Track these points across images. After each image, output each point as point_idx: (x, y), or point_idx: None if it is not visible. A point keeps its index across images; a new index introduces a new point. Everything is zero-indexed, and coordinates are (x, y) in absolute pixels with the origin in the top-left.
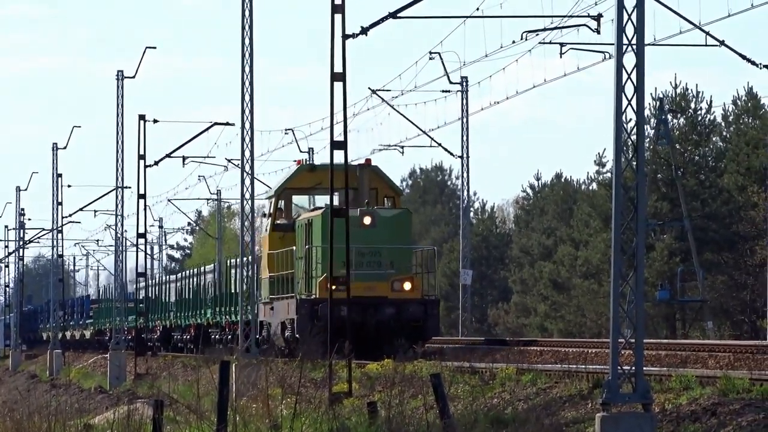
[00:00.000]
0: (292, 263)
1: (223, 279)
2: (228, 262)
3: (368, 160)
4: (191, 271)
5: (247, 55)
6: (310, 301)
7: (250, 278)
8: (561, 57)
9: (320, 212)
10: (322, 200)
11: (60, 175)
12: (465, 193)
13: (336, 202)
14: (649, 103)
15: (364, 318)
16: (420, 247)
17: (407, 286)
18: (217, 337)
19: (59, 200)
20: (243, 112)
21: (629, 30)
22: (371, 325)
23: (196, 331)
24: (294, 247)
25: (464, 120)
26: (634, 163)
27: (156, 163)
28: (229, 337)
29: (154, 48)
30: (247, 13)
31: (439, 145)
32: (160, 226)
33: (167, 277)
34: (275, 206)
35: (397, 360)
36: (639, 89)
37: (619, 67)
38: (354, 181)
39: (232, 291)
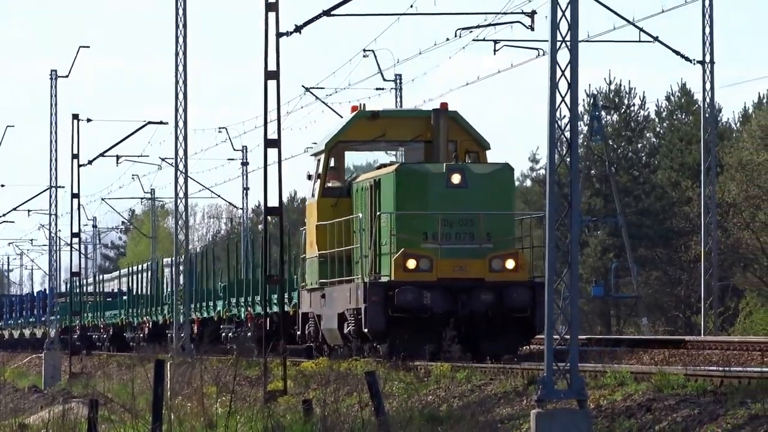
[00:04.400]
0: (352, 237)
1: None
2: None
3: (444, 104)
4: (143, 265)
5: (180, 53)
6: (383, 285)
7: (185, 277)
8: (495, 54)
9: (393, 169)
10: (383, 158)
11: None
12: None
13: (400, 160)
14: (583, 100)
15: (455, 306)
16: (527, 214)
17: (510, 264)
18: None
19: None
20: (176, 110)
21: (563, 26)
22: (463, 315)
23: (151, 329)
24: (355, 216)
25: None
26: (568, 159)
27: (90, 162)
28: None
29: (88, 47)
30: (180, 11)
31: None
32: (94, 226)
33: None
34: (325, 164)
35: (501, 362)
36: (573, 86)
37: (553, 63)
38: (427, 131)
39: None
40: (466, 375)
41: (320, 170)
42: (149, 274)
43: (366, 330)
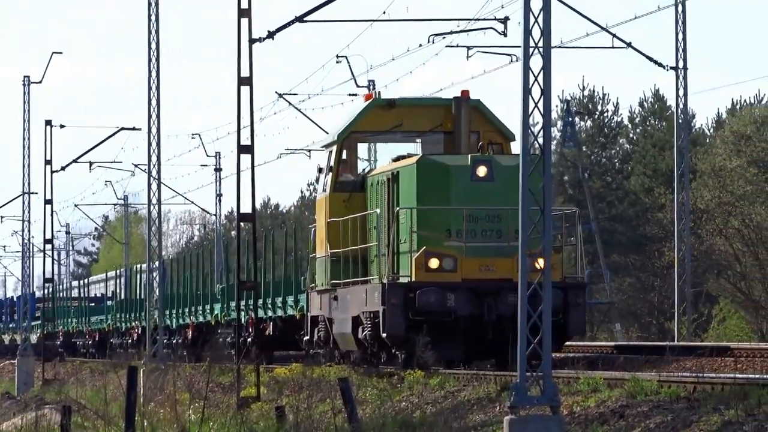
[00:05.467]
0: (367, 235)
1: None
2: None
3: (466, 92)
4: (129, 269)
5: (153, 59)
6: (403, 286)
7: (158, 284)
8: (468, 60)
9: (414, 160)
10: (399, 149)
11: None
12: None
13: (416, 151)
14: (556, 106)
15: (480, 310)
16: (558, 209)
17: (541, 263)
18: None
19: None
20: (150, 116)
21: (536, 32)
22: (490, 319)
23: (140, 335)
24: (372, 212)
25: None
26: (541, 165)
27: (63, 168)
28: (179, 340)
29: (61, 53)
30: (153, 18)
31: None
32: (67, 232)
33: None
34: (337, 156)
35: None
36: (546, 91)
37: (526, 69)
38: (448, 120)
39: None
40: (440, 381)
41: (332, 163)
42: (139, 277)
43: (384, 335)
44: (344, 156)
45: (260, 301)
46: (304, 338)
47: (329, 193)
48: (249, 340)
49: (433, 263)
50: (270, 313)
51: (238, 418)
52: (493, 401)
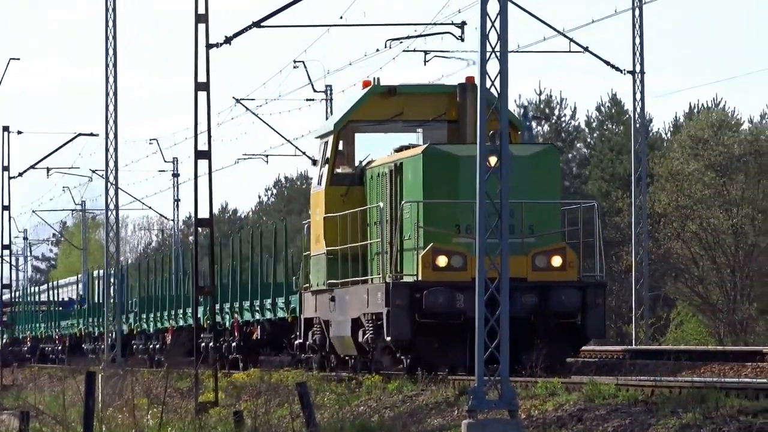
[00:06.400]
0: (367, 230)
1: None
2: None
3: (471, 78)
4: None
5: (110, 65)
6: (408, 286)
7: (116, 289)
8: (425, 65)
9: (420, 151)
10: (400, 139)
11: None
12: None
13: (418, 141)
14: (514, 110)
15: (493, 311)
16: (576, 203)
17: (557, 261)
18: (141, 346)
19: None
20: (107, 122)
21: (492, 37)
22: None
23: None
24: (374, 206)
25: None
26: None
27: (20, 174)
28: (158, 346)
29: (18, 59)
30: (110, 24)
31: (304, 153)
32: (25, 238)
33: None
34: (334, 147)
35: (544, 375)
36: (502, 96)
37: (483, 73)
38: (452, 109)
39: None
40: (398, 386)
41: (328, 154)
42: (118, 278)
43: (388, 338)
44: (341, 147)
45: (247, 304)
46: (296, 342)
47: (325, 187)
48: (234, 345)
49: (442, 261)
50: (258, 316)
51: (196, 423)
52: (451, 405)
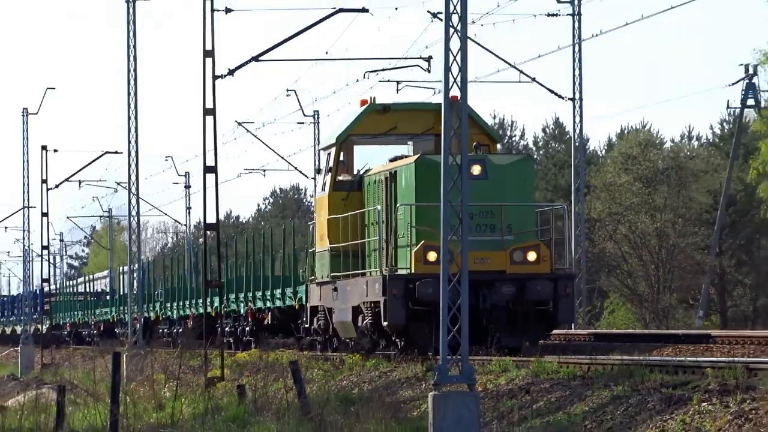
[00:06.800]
0: (365, 230)
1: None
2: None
3: (455, 97)
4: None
5: (132, 92)
6: (402, 278)
7: (138, 283)
8: (398, 93)
9: (413, 160)
10: (393, 151)
11: None
12: None
13: (408, 152)
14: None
15: (476, 299)
16: (547, 205)
17: (532, 256)
18: (166, 330)
19: None
20: (129, 141)
21: (454, 69)
22: (485, 308)
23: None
24: (373, 208)
25: (317, 146)
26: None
27: (56, 186)
28: (180, 330)
29: (54, 89)
30: (131, 56)
31: (296, 168)
32: (61, 240)
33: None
34: (336, 158)
35: (520, 355)
36: (462, 119)
37: (446, 100)
38: (438, 125)
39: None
40: (374, 363)
41: (331, 164)
42: (140, 273)
43: (385, 324)
44: (342, 157)
45: (259, 294)
46: (303, 326)
47: (328, 192)
48: (247, 329)
49: (432, 256)
50: (269, 304)
51: (206, 395)
52: (419, 380)
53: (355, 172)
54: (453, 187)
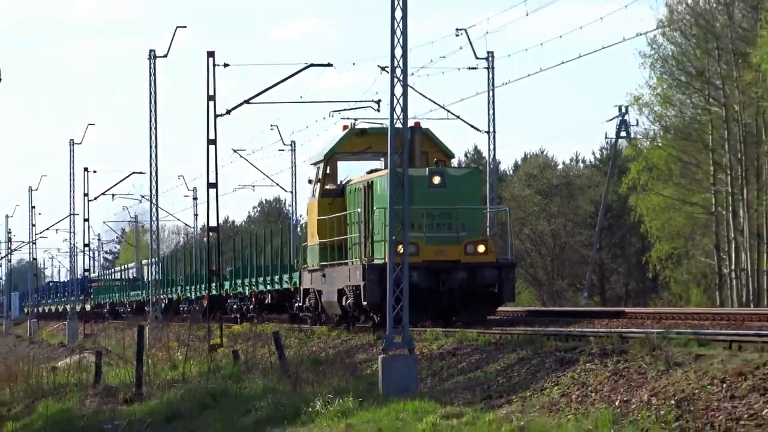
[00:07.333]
0: (347, 229)
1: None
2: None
3: (418, 123)
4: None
5: (153, 127)
6: (378, 266)
7: (158, 272)
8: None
9: (386, 172)
10: (369, 165)
11: (33, 207)
12: (296, 214)
13: (381, 167)
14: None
15: (436, 283)
16: (493, 208)
17: (481, 248)
18: (186, 307)
19: (33, 223)
20: (150, 164)
21: (398, 109)
22: (443, 290)
23: (167, 305)
24: (354, 211)
25: (293, 168)
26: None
27: (95, 198)
28: (197, 307)
29: (93, 125)
30: (153, 101)
31: (278, 184)
32: (99, 239)
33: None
34: (324, 171)
35: (470, 327)
36: (404, 147)
37: (392, 134)
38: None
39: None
40: (337, 333)
41: (320, 176)
42: (160, 265)
43: (365, 303)
44: (328, 171)
45: (261, 279)
46: (296, 305)
47: (318, 198)
48: (251, 307)
49: (400, 249)
50: (269, 287)
51: (208, 357)
52: (372, 346)
53: (339, 182)
54: (413, 195)
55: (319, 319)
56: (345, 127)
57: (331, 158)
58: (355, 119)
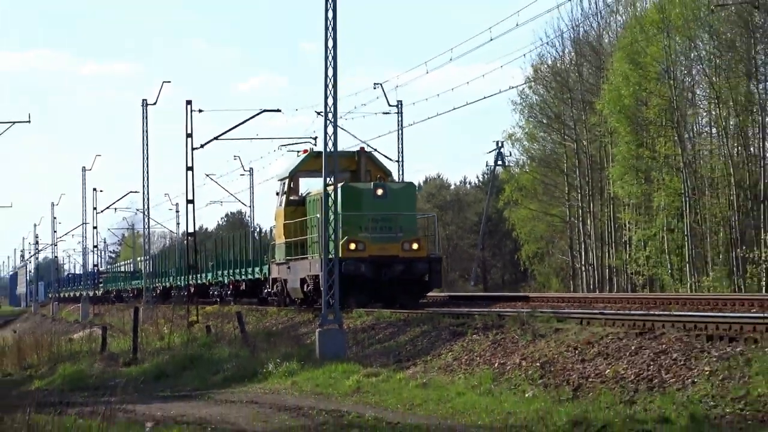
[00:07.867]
0: (307, 231)
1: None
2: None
3: (362, 148)
4: (146, 257)
5: (145, 156)
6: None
7: (149, 266)
8: (298, 157)
9: (339, 186)
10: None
11: (55, 218)
12: (254, 223)
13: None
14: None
15: (380, 274)
16: (423, 215)
17: (415, 246)
18: (177, 294)
19: (55, 230)
20: (143, 185)
21: (330, 144)
22: (385, 279)
23: (161, 291)
24: (310, 217)
25: (252, 192)
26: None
27: (102, 211)
28: (185, 293)
29: (100, 155)
30: (144, 140)
31: (240, 201)
32: (104, 242)
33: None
34: (288, 185)
35: (405, 308)
36: (325, 166)
37: (326, 166)
38: (353, 164)
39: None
40: (285, 312)
41: (285, 189)
42: (155, 260)
43: (322, 289)
44: (292, 185)
45: (236, 270)
46: (265, 290)
47: (284, 207)
48: (229, 292)
49: (352, 246)
50: (244, 277)
51: (187, 331)
52: (311, 322)
53: (300, 194)
54: (361, 204)
55: (284, 302)
56: (305, 151)
57: (294, 175)
58: (298, 152)
